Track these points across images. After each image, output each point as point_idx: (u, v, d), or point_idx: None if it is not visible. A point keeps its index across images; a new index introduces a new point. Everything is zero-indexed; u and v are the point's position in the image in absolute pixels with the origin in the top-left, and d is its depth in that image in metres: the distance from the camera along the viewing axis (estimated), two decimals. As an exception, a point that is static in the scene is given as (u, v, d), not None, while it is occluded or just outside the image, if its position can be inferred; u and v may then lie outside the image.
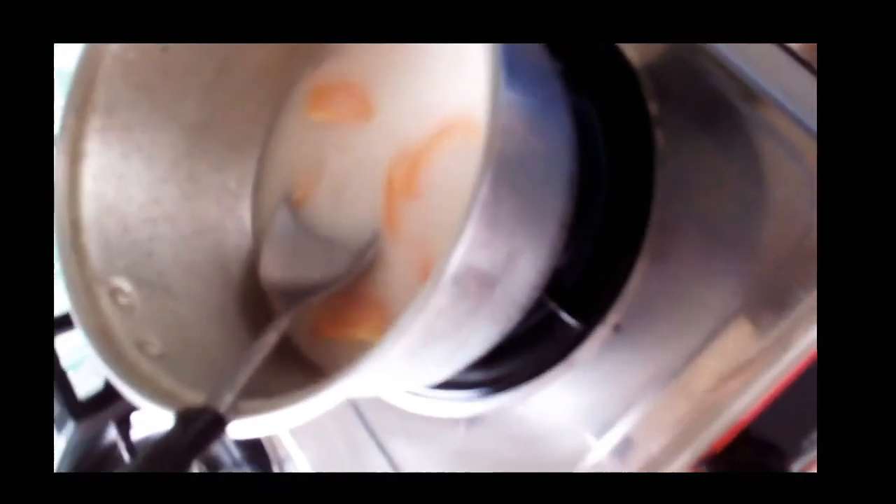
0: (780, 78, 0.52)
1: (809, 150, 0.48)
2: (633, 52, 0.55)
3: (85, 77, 0.52)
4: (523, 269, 0.44)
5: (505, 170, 0.38)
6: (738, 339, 0.48)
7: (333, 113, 0.58)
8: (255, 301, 0.57)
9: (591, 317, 0.51)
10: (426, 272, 0.52)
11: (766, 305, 0.48)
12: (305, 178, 0.58)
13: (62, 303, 0.51)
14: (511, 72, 0.39)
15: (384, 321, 0.53)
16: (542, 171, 0.43)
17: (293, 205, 0.58)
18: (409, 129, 0.55)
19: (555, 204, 0.45)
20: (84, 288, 0.50)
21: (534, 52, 0.47)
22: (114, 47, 0.52)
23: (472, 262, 0.38)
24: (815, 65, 0.54)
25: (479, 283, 0.40)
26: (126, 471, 0.43)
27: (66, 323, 0.53)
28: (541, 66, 0.47)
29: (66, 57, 0.68)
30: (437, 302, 0.38)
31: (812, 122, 0.49)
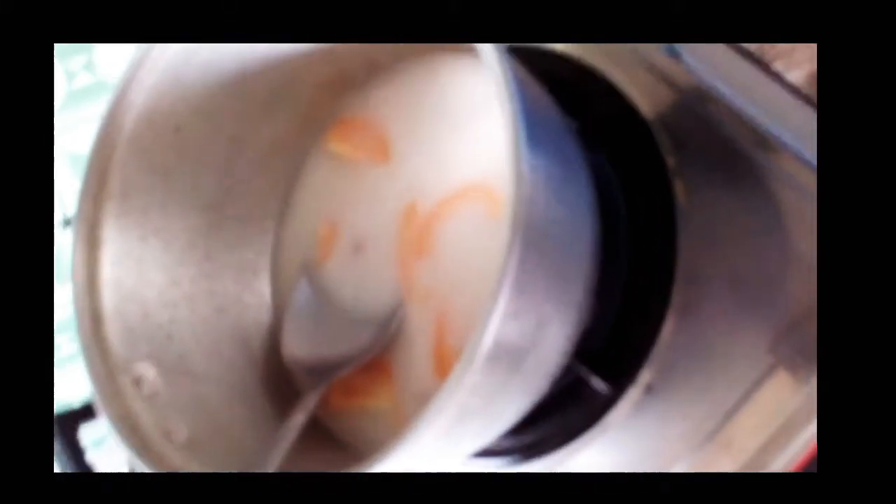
0: (790, 123, 0.52)
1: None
2: (645, 105, 0.54)
3: (100, 163, 0.51)
4: (552, 337, 0.43)
5: (531, 239, 0.38)
6: (776, 393, 0.47)
7: (351, 146, 0.58)
8: (278, 378, 0.57)
9: (621, 379, 0.50)
10: (441, 334, 0.51)
11: (799, 356, 0.47)
12: (323, 239, 0.58)
13: (84, 391, 0.50)
14: (531, 135, 0.39)
15: (396, 386, 0.52)
16: (566, 235, 0.43)
17: (314, 266, 0.57)
18: (425, 186, 0.54)
19: (580, 267, 0.44)
20: (107, 378, 0.49)
21: (549, 112, 0.47)
22: (128, 131, 0.52)
23: (503, 336, 0.38)
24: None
25: (511, 356, 0.40)
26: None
27: (88, 413, 0.53)
28: (557, 126, 0.46)
29: (80, 142, 0.69)
30: (471, 380, 0.37)
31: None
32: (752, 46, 0.66)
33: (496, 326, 0.36)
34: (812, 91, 0.56)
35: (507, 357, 0.39)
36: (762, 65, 0.58)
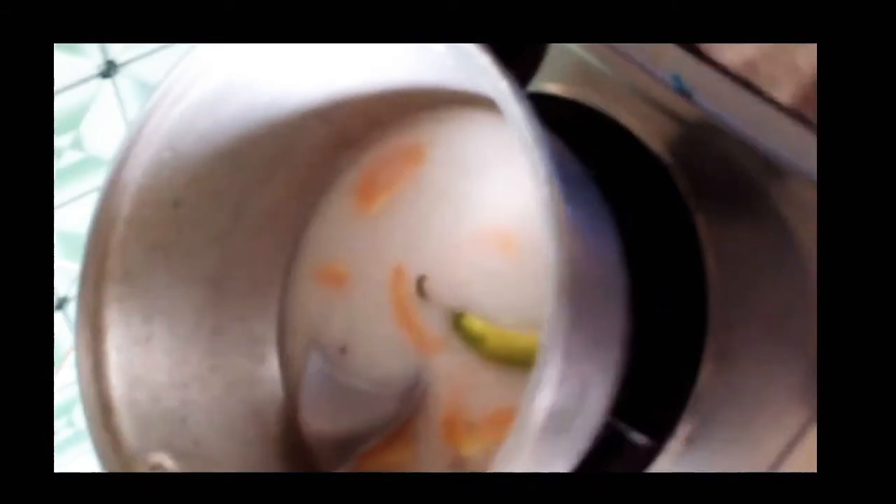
0: (799, 151, 0.51)
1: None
2: (658, 145, 0.53)
3: (98, 246, 0.49)
4: (595, 399, 0.41)
5: (574, 300, 0.36)
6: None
7: (388, 186, 0.56)
8: (294, 452, 0.54)
9: (660, 431, 0.48)
10: (455, 403, 0.50)
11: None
12: (334, 273, 0.56)
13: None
14: (565, 192, 0.37)
15: (413, 435, 0.51)
16: (601, 291, 0.41)
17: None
18: (434, 234, 0.53)
19: (617, 323, 0.42)
20: (122, 470, 0.46)
21: (571, 163, 0.45)
22: (126, 210, 0.50)
23: (553, 404, 0.36)
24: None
25: (558, 422, 0.38)
26: None
27: None
28: (580, 177, 0.45)
29: (70, 221, 0.66)
30: (525, 451, 0.35)
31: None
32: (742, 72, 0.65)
33: (549, 396, 0.34)
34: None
35: (555, 424, 0.37)
36: (762, 94, 0.57)
